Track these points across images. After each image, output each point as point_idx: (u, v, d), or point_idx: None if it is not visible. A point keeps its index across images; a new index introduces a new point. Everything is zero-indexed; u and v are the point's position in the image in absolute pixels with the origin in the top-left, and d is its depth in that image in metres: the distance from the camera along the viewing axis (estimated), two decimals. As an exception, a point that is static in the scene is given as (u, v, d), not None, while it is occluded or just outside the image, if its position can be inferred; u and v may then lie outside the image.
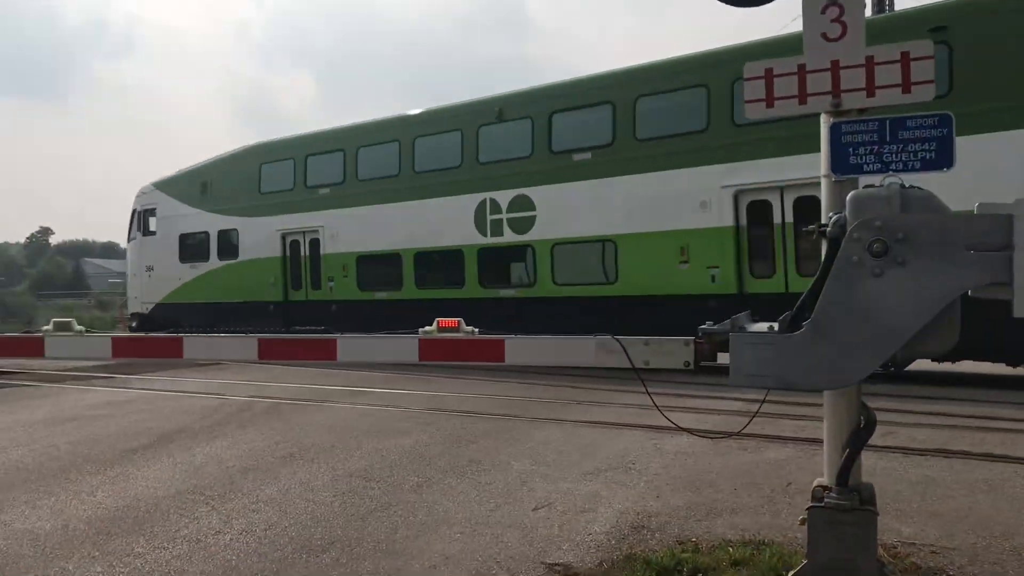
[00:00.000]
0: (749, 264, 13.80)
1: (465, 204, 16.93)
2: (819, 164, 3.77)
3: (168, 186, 23.30)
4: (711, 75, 13.84)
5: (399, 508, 6.03)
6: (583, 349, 4.00)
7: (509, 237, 16.44)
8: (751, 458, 7.35)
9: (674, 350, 3.76)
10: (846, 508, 3.62)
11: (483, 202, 16.70)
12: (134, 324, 23.71)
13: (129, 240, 24.73)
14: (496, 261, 16.93)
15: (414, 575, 4.69)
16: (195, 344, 4.65)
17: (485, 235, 16.74)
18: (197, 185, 22.38)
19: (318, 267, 19.76)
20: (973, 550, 4.83)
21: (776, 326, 3.46)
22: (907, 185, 3.34)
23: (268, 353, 4.44)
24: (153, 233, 23.45)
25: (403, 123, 18.50)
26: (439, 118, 17.85)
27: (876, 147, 3.59)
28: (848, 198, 3.43)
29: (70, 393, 13.30)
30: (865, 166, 3.61)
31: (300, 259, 20.15)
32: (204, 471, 7.34)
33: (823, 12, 3.73)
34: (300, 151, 20.25)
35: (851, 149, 3.62)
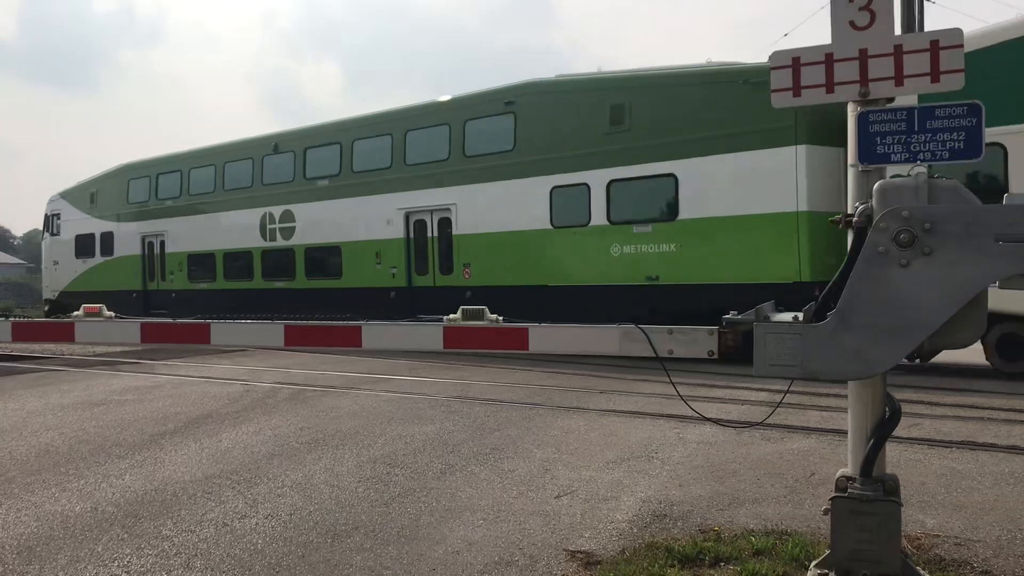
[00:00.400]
0: (416, 264, 18.99)
1: (253, 216, 22.08)
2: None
3: (69, 195, 28.33)
4: (396, 128, 19.20)
5: (422, 494, 6.08)
6: (607, 338, 4.00)
7: (280, 242, 21.67)
8: (774, 448, 7.33)
9: (698, 339, 3.76)
10: (870, 499, 3.61)
11: (264, 215, 21.95)
12: (47, 308, 28.86)
13: (42, 239, 30.66)
14: (273, 260, 21.89)
15: (437, 560, 4.73)
16: (222, 330, 4.71)
17: (265, 240, 22.05)
18: (88, 195, 27.35)
19: (164, 263, 24.88)
20: (998, 543, 4.80)
21: (801, 316, 3.46)
22: (935, 175, 3.32)
23: (294, 340, 4.49)
24: (58, 234, 28.63)
25: (220, 151, 23.64)
26: (240, 148, 23.05)
27: (904, 136, 3.56)
28: (875, 188, 3.41)
29: (99, 378, 13.48)
30: (892, 155, 3.58)
31: (154, 257, 25.24)
32: (230, 456, 7.43)
33: (851, 0, 3.70)
34: (154, 171, 25.33)
35: (878, 138, 3.59)
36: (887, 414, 3.70)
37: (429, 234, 18.63)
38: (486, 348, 4.31)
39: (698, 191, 14.65)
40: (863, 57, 3.67)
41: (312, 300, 20.49)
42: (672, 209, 15.02)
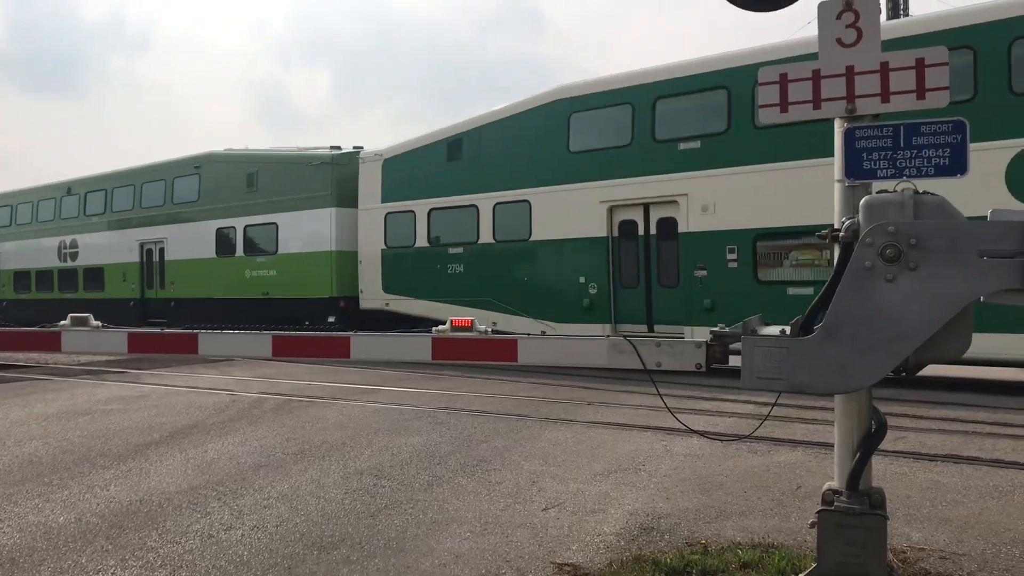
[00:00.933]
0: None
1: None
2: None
3: None
4: (137, 181, 25.81)
5: (409, 506, 6.06)
6: (596, 350, 4.02)
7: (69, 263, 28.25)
8: (761, 461, 7.35)
9: (686, 351, 3.78)
10: (856, 512, 3.62)
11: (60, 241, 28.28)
12: None
13: None
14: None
15: (424, 573, 4.71)
16: (210, 341, 4.69)
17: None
18: None
19: None
20: (983, 556, 4.83)
21: (788, 330, 3.48)
22: (920, 191, 3.35)
23: (281, 350, 4.48)
24: None
25: (58, 187, 28.85)
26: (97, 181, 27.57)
27: (890, 152, 3.59)
28: (861, 203, 3.44)
29: (83, 387, 13.40)
30: (879, 171, 3.61)
31: None
32: (216, 467, 7.39)
33: (839, 17, 3.74)
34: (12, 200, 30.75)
35: (864, 154, 3.63)
36: (873, 427, 3.73)
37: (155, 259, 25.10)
38: (475, 359, 4.32)
39: (288, 235, 21.47)
40: (850, 74, 3.71)
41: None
42: (275, 246, 21.71)
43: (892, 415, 7.44)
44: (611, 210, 15.77)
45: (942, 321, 3.15)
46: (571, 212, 16.16)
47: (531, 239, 16.88)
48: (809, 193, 12.66)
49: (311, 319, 20.36)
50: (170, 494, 6.46)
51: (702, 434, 6.99)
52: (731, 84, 14.25)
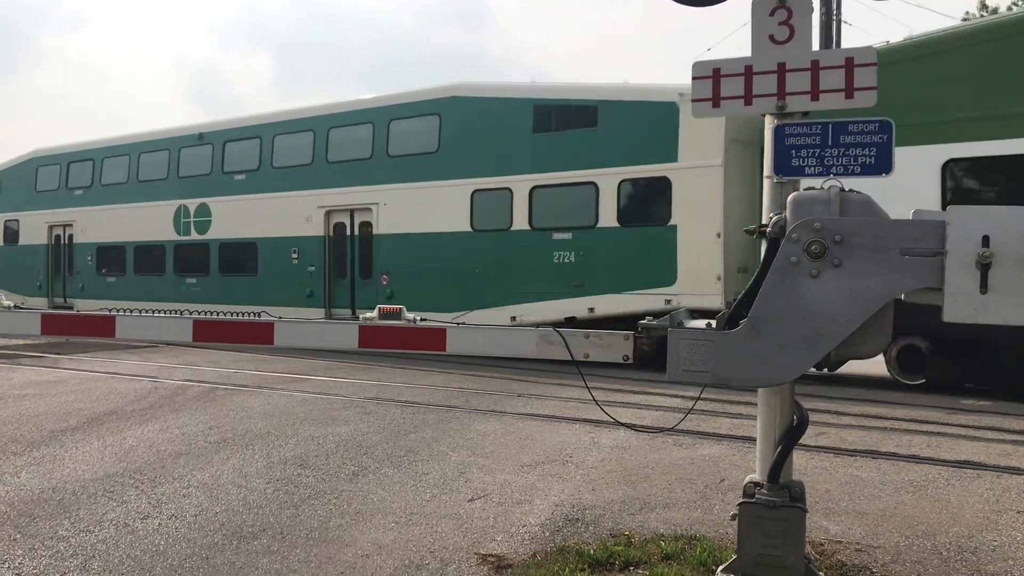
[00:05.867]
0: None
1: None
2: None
3: None
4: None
5: (333, 496, 5.97)
6: (525, 340, 3.99)
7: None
8: (686, 454, 7.44)
9: (614, 344, 3.78)
10: (776, 504, 3.67)
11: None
12: None
13: None
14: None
15: (346, 563, 4.64)
16: (128, 324, 4.54)
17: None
18: None
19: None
20: (896, 548, 4.95)
21: (714, 323, 3.50)
22: (847, 189, 3.40)
23: (203, 335, 4.35)
24: None
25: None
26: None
27: (818, 150, 3.64)
28: (788, 200, 3.47)
29: (-3, 371, 12.92)
30: (807, 169, 3.65)
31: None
32: (134, 454, 7.18)
33: (771, 15, 3.77)
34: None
35: (793, 151, 3.66)
36: (795, 422, 3.78)
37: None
38: (402, 348, 4.25)
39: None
40: (781, 71, 3.74)
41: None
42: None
43: (814, 411, 7.60)
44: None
45: (864, 317, 3.20)
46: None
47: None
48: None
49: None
50: (85, 482, 6.26)
51: (629, 427, 7.05)
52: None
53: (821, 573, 3.95)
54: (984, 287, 3.04)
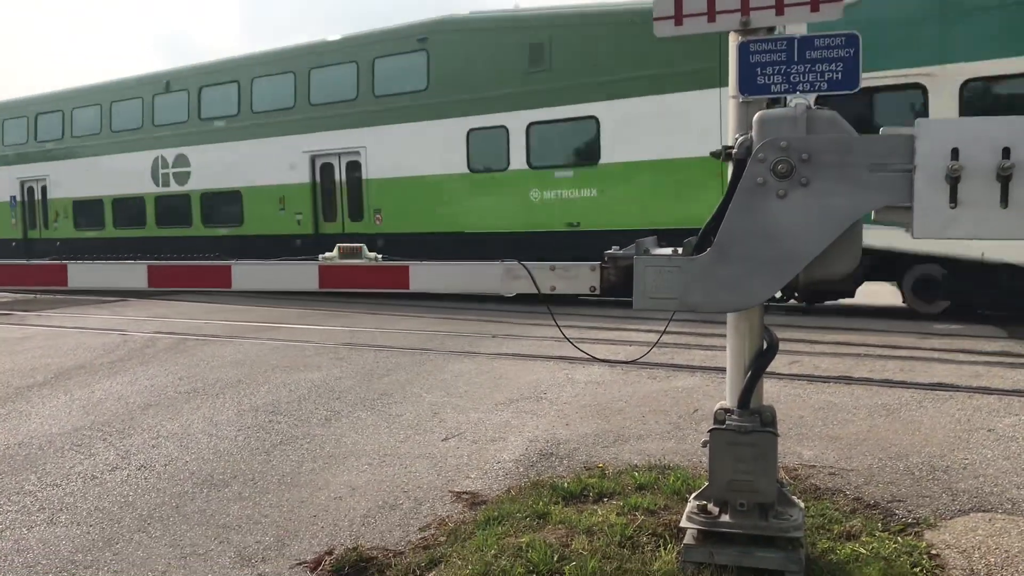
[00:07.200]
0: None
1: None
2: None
3: None
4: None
5: (306, 441, 5.91)
6: (490, 275, 3.89)
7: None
8: (660, 386, 7.43)
9: (580, 275, 3.69)
10: (747, 430, 3.63)
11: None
12: None
13: None
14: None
15: (319, 506, 4.59)
16: (80, 272, 4.39)
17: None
18: None
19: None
20: (869, 471, 4.97)
21: (680, 250, 3.42)
22: (813, 106, 3.30)
23: (158, 280, 4.21)
24: None
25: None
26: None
27: (784, 67, 3.52)
28: (754, 119, 3.36)
29: (-38, 330, 12.70)
30: (773, 86, 3.54)
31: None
32: (103, 407, 7.08)
33: (734, -73, 3.61)
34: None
35: (759, 69, 3.55)
36: (765, 347, 3.73)
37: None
38: (364, 287, 4.15)
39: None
40: (745, -14, 3.60)
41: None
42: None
43: (787, 340, 7.59)
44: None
45: (832, 237, 3.13)
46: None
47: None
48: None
49: None
50: (52, 436, 6.16)
51: (602, 361, 7.02)
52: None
53: (794, 497, 3.94)
54: (953, 201, 2.97)
